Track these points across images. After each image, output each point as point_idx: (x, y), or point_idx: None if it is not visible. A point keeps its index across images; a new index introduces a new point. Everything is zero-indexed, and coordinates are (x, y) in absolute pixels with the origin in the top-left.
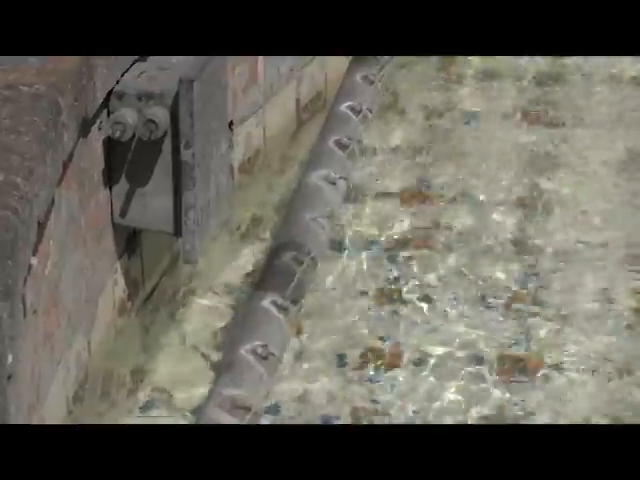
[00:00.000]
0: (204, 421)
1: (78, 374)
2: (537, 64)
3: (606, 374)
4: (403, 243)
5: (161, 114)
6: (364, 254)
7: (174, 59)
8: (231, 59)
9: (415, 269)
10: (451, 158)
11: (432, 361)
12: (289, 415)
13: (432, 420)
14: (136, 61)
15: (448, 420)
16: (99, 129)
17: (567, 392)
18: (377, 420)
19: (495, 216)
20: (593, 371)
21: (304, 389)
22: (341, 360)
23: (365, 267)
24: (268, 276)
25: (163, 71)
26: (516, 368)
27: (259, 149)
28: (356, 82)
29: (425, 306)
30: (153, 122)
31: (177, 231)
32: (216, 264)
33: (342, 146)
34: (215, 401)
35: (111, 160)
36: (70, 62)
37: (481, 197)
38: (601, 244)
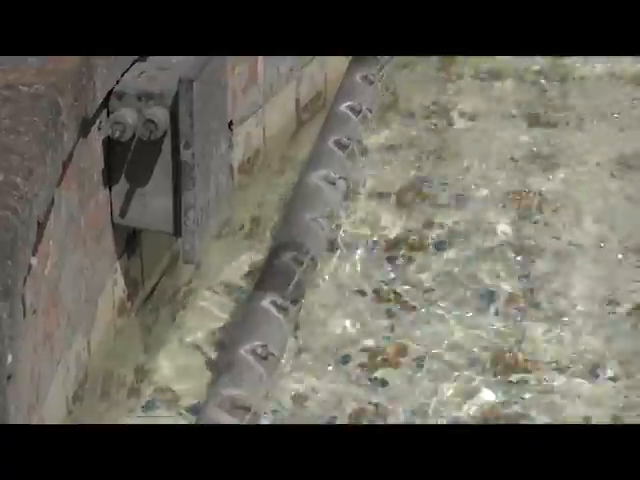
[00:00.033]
0: (204, 421)
1: (78, 374)
2: (538, 64)
3: (605, 374)
4: (398, 243)
5: (161, 114)
6: (359, 254)
7: (174, 59)
8: (231, 59)
9: (410, 269)
10: (450, 158)
11: (427, 362)
12: (288, 415)
13: (429, 419)
14: (136, 61)
15: (445, 419)
16: (99, 129)
17: (565, 392)
18: (375, 420)
19: (492, 216)
20: (591, 371)
21: (303, 388)
22: (339, 359)
23: (360, 267)
24: (268, 276)
25: (163, 71)
26: (511, 369)
27: (259, 149)
28: (356, 82)
29: (420, 306)
30: (153, 122)
31: (177, 231)
32: (217, 264)
33: (342, 146)
34: (215, 401)
35: (111, 160)
36: (70, 62)
37: (478, 197)
38: (599, 244)
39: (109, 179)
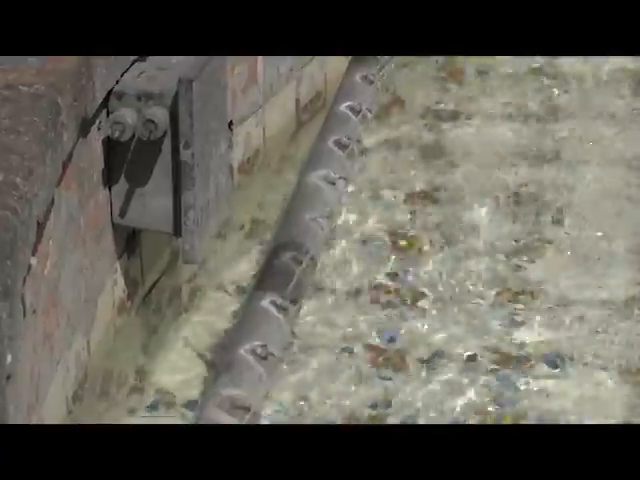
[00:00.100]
0: (203, 421)
1: (77, 374)
2: (538, 62)
3: (610, 375)
4: (399, 242)
5: (160, 114)
6: (360, 251)
7: (174, 59)
8: (230, 59)
9: (411, 268)
10: (450, 158)
11: (428, 360)
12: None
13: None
14: (135, 61)
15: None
16: (98, 129)
17: (566, 391)
18: (377, 420)
19: (494, 215)
20: (599, 369)
21: (304, 387)
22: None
23: (361, 265)
24: (267, 276)
25: (162, 71)
26: (511, 365)
27: (259, 149)
28: (356, 82)
29: (419, 305)
30: (152, 122)
31: (177, 231)
32: (217, 264)
33: (342, 146)
34: (214, 401)
35: (110, 160)
36: (69, 62)
37: (479, 196)
38: (599, 244)
39: (109, 179)
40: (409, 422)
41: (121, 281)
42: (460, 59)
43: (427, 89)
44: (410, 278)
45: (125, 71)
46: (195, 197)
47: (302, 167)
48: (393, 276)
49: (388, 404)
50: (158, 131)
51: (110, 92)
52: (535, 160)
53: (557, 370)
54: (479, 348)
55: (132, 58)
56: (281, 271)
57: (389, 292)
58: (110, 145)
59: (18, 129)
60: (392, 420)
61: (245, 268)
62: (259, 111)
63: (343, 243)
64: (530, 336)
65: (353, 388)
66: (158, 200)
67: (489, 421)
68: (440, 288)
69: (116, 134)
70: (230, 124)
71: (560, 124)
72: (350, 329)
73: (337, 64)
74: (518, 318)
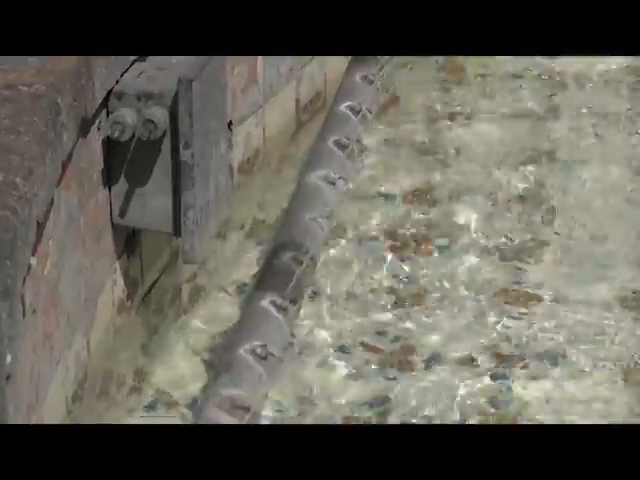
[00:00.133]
0: (203, 421)
1: (77, 374)
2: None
3: (608, 375)
4: (400, 243)
5: (160, 114)
6: (362, 253)
7: (173, 59)
8: (230, 59)
9: (411, 269)
10: (450, 158)
11: (427, 360)
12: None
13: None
14: (135, 61)
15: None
16: (98, 129)
17: (565, 391)
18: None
19: (492, 215)
20: (597, 369)
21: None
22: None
23: (363, 266)
24: (267, 276)
25: (162, 71)
26: (509, 365)
27: (258, 149)
28: (355, 82)
29: (417, 305)
30: (152, 122)
31: (176, 231)
32: (217, 264)
33: (341, 146)
34: (214, 401)
35: (110, 160)
36: (69, 62)
37: (483, 197)
38: (600, 244)
39: (109, 179)
40: (407, 420)
41: (121, 281)
42: (460, 59)
43: (426, 89)
44: (406, 278)
45: (125, 71)
46: (195, 197)
47: (302, 167)
48: (390, 276)
49: (387, 403)
50: (158, 131)
51: (110, 92)
52: (533, 160)
53: (555, 370)
54: (477, 348)
55: (132, 58)
56: (281, 271)
57: (386, 292)
58: (110, 145)
59: (18, 129)
60: (391, 419)
61: (245, 268)
62: (259, 111)
63: (341, 243)
64: (528, 336)
65: (351, 387)
66: (158, 200)
67: (488, 421)
68: (436, 288)
69: (116, 134)
70: (230, 124)
71: (559, 124)
72: (348, 329)
73: (337, 64)
74: (515, 318)
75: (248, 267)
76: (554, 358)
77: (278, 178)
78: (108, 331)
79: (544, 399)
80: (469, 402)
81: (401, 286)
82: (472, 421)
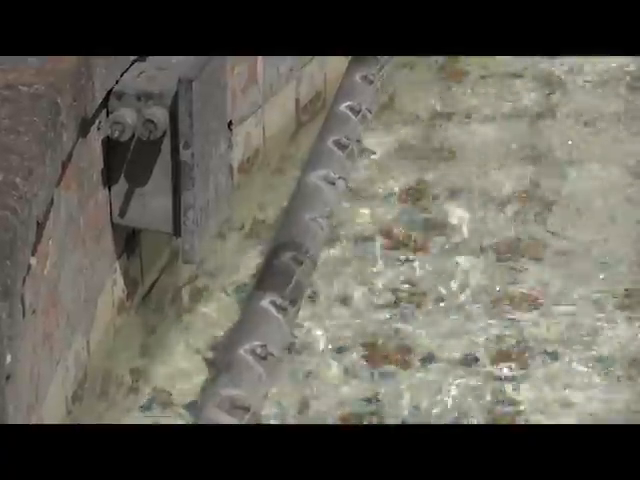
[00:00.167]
0: (203, 421)
1: (77, 374)
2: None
3: (610, 375)
4: (397, 242)
5: (160, 114)
6: (358, 252)
7: (173, 59)
8: (230, 59)
9: (410, 269)
10: (450, 158)
11: (427, 359)
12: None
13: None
14: (135, 61)
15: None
16: (98, 129)
17: (566, 388)
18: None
19: (490, 215)
20: (597, 369)
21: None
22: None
23: (359, 266)
24: (267, 276)
25: (162, 71)
26: (507, 364)
27: (258, 149)
28: (355, 82)
29: (418, 306)
30: (152, 122)
31: (176, 231)
32: (217, 264)
33: (341, 146)
34: (214, 401)
35: (110, 160)
36: (69, 62)
37: (480, 196)
38: (601, 242)
39: (108, 179)
40: (402, 416)
41: (121, 281)
42: (460, 59)
43: (425, 89)
44: (403, 278)
45: (125, 71)
46: (195, 197)
47: (302, 167)
48: (386, 276)
49: (380, 401)
50: (158, 131)
51: (110, 92)
52: (531, 160)
53: (554, 370)
54: (472, 348)
55: (132, 58)
56: (281, 271)
57: (382, 292)
58: (110, 145)
59: (18, 129)
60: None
61: (245, 268)
62: (259, 111)
63: (337, 243)
64: (524, 336)
65: (347, 386)
66: (158, 200)
67: (484, 421)
68: (433, 288)
69: (116, 134)
70: (230, 124)
71: (557, 124)
72: (344, 329)
73: (337, 64)
74: (511, 319)
75: (247, 267)
76: (551, 358)
77: (278, 178)
78: (108, 331)
79: (540, 399)
80: (465, 401)
81: (398, 286)
82: (467, 421)
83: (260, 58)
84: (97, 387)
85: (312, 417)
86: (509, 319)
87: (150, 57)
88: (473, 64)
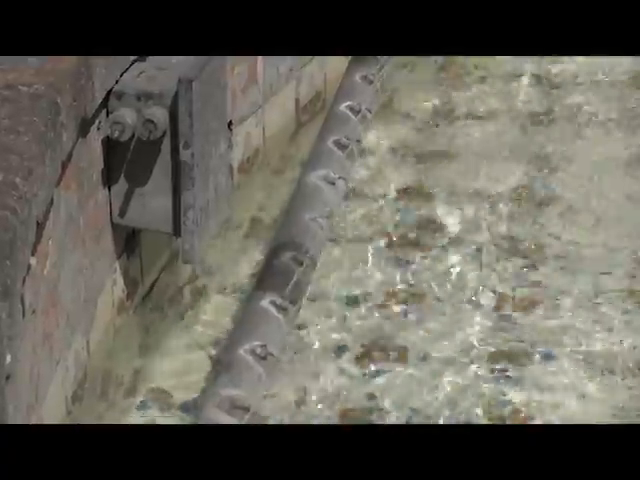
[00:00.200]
0: (203, 421)
1: (77, 374)
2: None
3: (608, 375)
4: (397, 242)
5: (160, 114)
6: (360, 252)
7: (173, 59)
8: (230, 59)
9: (410, 269)
10: (450, 158)
11: (421, 358)
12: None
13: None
14: (135, 61)
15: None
16: (98, 129)
17: (564, 388)
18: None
19: (490, 216)
20: (598, 370)
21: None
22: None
23: (358, 266)
24: (267, 276)
25: (162, 71)
26: (509, 363)
27: (258, 149)
28: (355, 82)
29: (420, 306)
30: (152, 122)
31: (176, 231)
32: (219, 264)
33: (341, 146)
34: (214, 401)
35: (110, 160)
36: (69, 62)
37: (479, 196)
38: (603, 244)
39: (108, 179)
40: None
41: (120, 281)
42: (460, 59)
43: (424, 89)
44: (402, 278)
45: (125, 71)
46: (195, 197)
47: (302, 167)
48: (385, 276)
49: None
50: (158, 131)
51: (110, 92)
52: (530, 160)
53: (555, 370)
54: (476, 347)
55: (132, 58)
56: (281, 271)
57: (381, 292)
58: (110, 145)
59: (18, 129)
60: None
61: (244, 268)
62: (259, 111)
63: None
64: (527, 336)
65: (345, 384)
66: (158, 200)
67: (489, 420)
68: (433, 287)
69: (116, 134)
70: (230, 124)
71: (557, 124)
72: (343, 329)
73: (337, 64)
74: (515, 318)
75: (247, 267)
76: (551, 358)
77: (278, 178)
78: (108, 331)
79: (540, 400)
80: (460, 399)
81: (397, 286)
82: (462, 418)
83: (260, 58)
84: (97, 387)
85: (310, 411)
86: (507, 319)
87: (150, 57)
88: (472, 64)
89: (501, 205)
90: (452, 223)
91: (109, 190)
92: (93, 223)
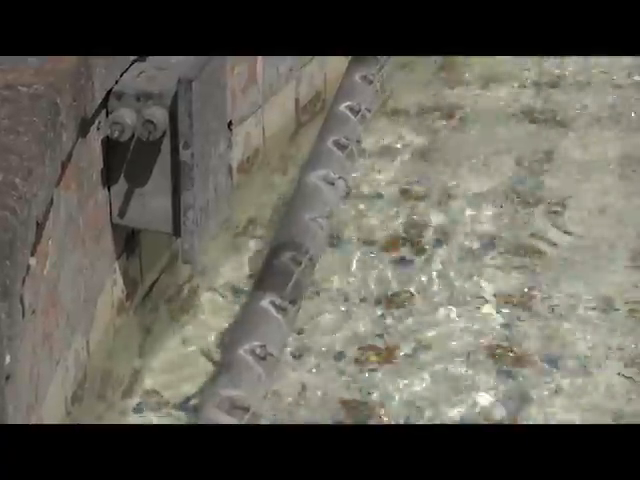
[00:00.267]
0: (203, 421)
1: (77, 374)
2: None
3: (611, 376)
4: (395, 243)
5: (160, 114)
6: (357, 254)
7: (173, 59)
8: (230, 59)
9: (408, 269)
10: (449, 157)
11: (426, 356)
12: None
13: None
14: (135, 61)
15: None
16: (98, 129)
17: (567, 386)
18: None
19: (492, 216)
20: (594, 368)
21: (303, 383)
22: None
23: (358, 267)
24: (267, 276)
25: (162, 71)
26: (508, 360)
27: (258, 149)
28: (355, 82)
29: (417, 305)
30: (152, 122)
31: (176, 231)
32: (215, 264)
33: (341, 146)
34: (214, 402)
35: (110, 160)
36: (69, 62)
37: (478, 196)
38: (605, 244)
39: (108, 179)
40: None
41: (120, 281)
42: (460, 59)
43: (424, 89)
44: (403, 278)
45: (124, 71)
46: (194, 197)
47: (302, 167)
48: (386, 276)
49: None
50: (157, 131)
51: (109, 92)
52: (533, 161)
53: (556, 371)
54: (478, 347)
55: (131, 58)
56: (280, 271)
57: (382, 292)
58: (109, 145)
59: (17, 129)
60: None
61: (240, 268)
62: (259, 111)
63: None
64: (530, 336)
65: (344, 383)
66: (157, 200)
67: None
68: (433, 287)
69: (115, 134)
70: (229, 124)
71: (558, 124)
72: (343, 329)
73: (337, 64)
74: (518, 319)
75: (243, 267)
76: (553, 360)
77: (278, 178)
78: (108, 331)
79: (542, 400)
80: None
81: (398, 286)
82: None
83: (260, 58)
84: (97, 388)
85: (309, 406)
86: (518, 321)
87: (150, 57)
88: (472, 64)
89: (502, 205)
90: (452, 223)
91: (109, 190)
92: (93, 223)
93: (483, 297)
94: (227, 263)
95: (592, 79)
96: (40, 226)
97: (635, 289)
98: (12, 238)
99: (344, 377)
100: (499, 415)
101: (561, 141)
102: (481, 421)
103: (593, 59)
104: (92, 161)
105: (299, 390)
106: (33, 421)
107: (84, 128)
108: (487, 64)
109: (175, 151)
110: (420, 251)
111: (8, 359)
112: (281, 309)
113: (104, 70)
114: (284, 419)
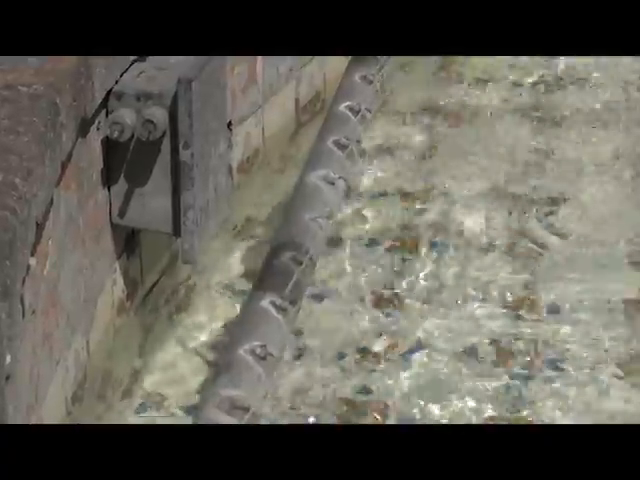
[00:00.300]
0: (203, 421)
1: (77, 374)
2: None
3: (610, 377)
4: (398, 243)
5: (160, 114)
6: (360, 252)
7: (173, 59)
8: (230, 59)
9: (410, 268)
10: (449, 157)
11: (424, 356)
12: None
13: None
14: (135, 61)
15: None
16: (98, 129)
17: (566, 387)
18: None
19: (491, 217)
20: (592, 369)
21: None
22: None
23: (361, 265)
24: (267, 276)
25: (162, 71)
26: (505, 361)
27: (258, 149)
28: (355, 82)
29: (416, 305)
30: (152, 122)
31: (176, 231)
32: (214, 264)
33: (341, 146)
34: (214, 402)
35: (110, 160)
36: (68, 62)
37: (480, 197)
38: (604, 245)
39: (108, 179)
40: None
41: (120, 281)
42: (459, 59)
43: (424, 89)
44: (405, 278)
45: (124, 71)
46: (194, 197)
47: (302, 167)
48: (388, 277)
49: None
50: (157, 131)
51: (109, 92)
52: (531, 161)
53: (557, 372)
54: (480, 348)
55: (131, 58)
56: (280, 271)
57: (387, 293)
58: (109, 145)
59: (17, 129)
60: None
61: (239, 268)
62: (259, 111)
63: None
64: (527, 337)
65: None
66: (157, 200)
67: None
68: (434, 287)
69: (115, 134)
70: (229, 124)
71: (560, 126)
72: (343, 329)
73: (337, 64)
74: (518, 320)
75: (240, 266)
76: (554, 361)
77: (278, 178)
78: (108, 331)
79: (543, 401)
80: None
81: (396, 286)
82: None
83: (260, 58)
84: (97, 388)
85: (309, 403)
86: (517, 321)
87: (150, 57)
88: (472, 64)
89: (503, 206)
90: (452, 223)
91: (109, 190)
92: (93, 223)
93: (481, 297)
94: (226, 263)
95: (590, 79)
96: (40, 226)
97: (633, 289)
98: (12, 238)
99: (344, 377)
100: (495, 415)
101: (559, 141)
102: (477, 421)
103: (592, 59)
104: (92, 161)
105: (299, 390)
106: (33, 421)
107: (84, 128)
108: (487, 64)
109: (175, 151)
110: (418, 251)
111: (8, 359)
112: (281, 309)
113: (104, 70)
114: (284, 419)
